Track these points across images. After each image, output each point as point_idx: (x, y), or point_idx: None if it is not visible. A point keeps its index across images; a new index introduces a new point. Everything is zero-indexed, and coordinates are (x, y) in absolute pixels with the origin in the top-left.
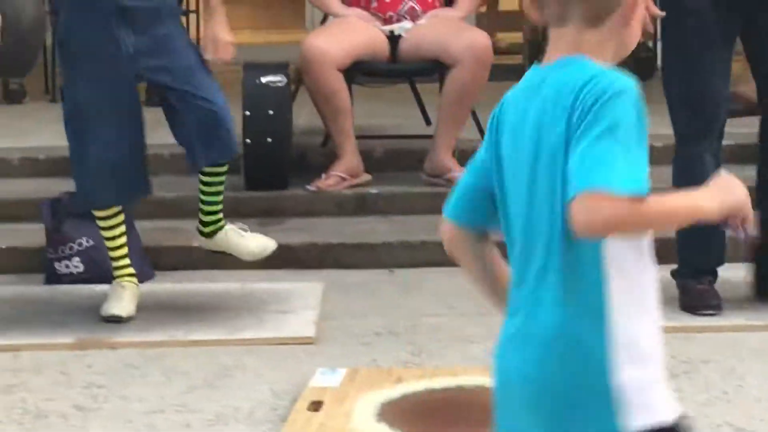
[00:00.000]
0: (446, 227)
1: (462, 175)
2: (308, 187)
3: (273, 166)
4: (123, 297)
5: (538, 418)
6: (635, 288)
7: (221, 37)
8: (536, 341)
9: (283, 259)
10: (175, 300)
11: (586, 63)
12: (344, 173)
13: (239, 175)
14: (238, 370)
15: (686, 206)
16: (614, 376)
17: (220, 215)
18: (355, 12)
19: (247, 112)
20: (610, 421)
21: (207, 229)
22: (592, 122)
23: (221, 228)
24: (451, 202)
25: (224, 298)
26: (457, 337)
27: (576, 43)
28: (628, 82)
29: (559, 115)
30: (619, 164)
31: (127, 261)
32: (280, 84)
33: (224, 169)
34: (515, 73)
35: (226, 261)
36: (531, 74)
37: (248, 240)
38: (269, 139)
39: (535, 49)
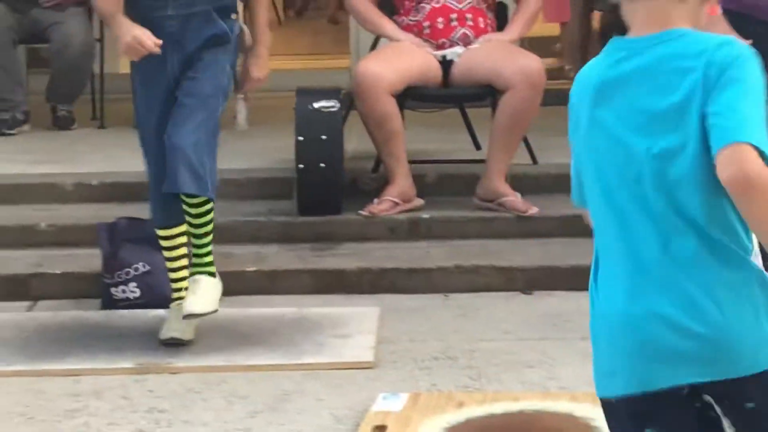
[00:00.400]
0: (587, 214)
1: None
2: (361, 212)
3: (326, 191)
4: (182, 320)
5: None
6: None
7: (254, 71)
8: None
9: (337, 284)
10: (232, 324)
11: (701, 34)
12: (397, 198)
13: (292, 200)
14: (299, 394)
15: None
16: None
17: (204, 258)
18: (409, 37)
19: (300, 137)
20: None
21: (193, 265)
22: (729, 82)
23: (200, 272)
24: (573, 191)
25: (281, 322)
26: (515, 362)
27: (666, 17)
28: (751, 50)
29: (680, 81)
30: (758, 127)
31: (184, 284)
32: (333, 109)
33: (198, 209)
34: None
35: (279, 286)
36: (618, 47)
37: (195, 297)
38: (322, 164)
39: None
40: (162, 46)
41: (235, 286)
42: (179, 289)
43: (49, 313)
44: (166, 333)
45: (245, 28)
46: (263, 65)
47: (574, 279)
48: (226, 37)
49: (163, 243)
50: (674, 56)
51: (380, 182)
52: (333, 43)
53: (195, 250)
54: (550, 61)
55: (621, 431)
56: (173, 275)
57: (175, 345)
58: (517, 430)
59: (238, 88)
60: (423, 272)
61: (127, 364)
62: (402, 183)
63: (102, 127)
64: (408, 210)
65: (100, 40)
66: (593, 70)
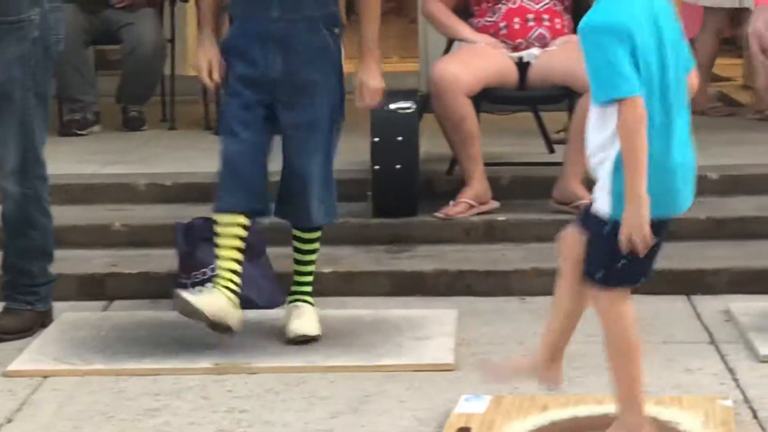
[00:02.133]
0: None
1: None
2: (436, 214)
3: (402, 192)
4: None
5: None
6: None
7: (369, 83)
8: None
9: (413, 286)
10: None
11: None
12: (472, 200)
13: (367, 202)
14: (380, 396)
15: (641, 173)
16: None
17: (307, 287)
18: (485, 39)
19: (376, 139)
20: None
21: (292, 292)
22: None
23: (302, 300)
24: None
25: (358, 324)
26: (597, 364)
27: None
28: None
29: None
30: None
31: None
32: (409, 110)
33: (311, 235)
34: None
35: (355, 288)
36: None
37: (302, 321)
38: (398, 166)
39: None
40: (263, 44)
41: None
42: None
43: (125, 312)
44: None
45: None
46: (376, 75)
47: (652, 283)
48: (333, 52)
49: (217, 228)
50: None
51: (455, 184)
52: (399, 47)
53: (298, 277)
54: None
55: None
56: (224, 264)
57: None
58: None
59: (358, 101)
60: (500, 275)
61: (205, 364)
62: (477, 185)
63: (172, 128)
64: (483, 212)
65: (172, 41)
66: None
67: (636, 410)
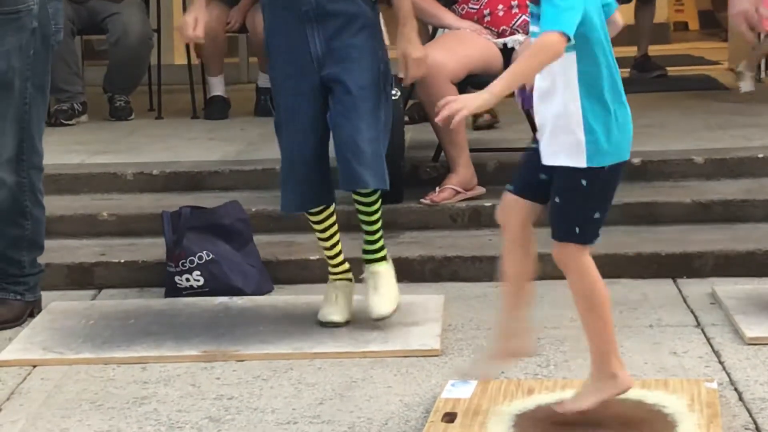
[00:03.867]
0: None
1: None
2: (422, 200)
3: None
4: (338, 302)
5: None
6: None
7: (412, 53)
8: None
9: (400, 272)
10: (297, 312)
11: None
12: (458, 186)
13: None
14: (367, 382)
15: (511, 84)
16: None
17: (377, 245)
18: (469, 25)
19: None
20: None
21: (364, 255)
22: None
23: (376, 261)
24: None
25: None
26: (583, 349)
27: None
28: None
29: None
30: None
31: (339, 260)
32: (394, 97)
33: (370, 198)
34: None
35: None
36: None
37: (380, 298)
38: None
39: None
40: (301, 25)
41: (298, 274)
42: (333, 266)
43: (113, 301)
44: (326, 316)
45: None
46: (417, 45)
47: (638, 267)
48: (370, 18)
49: (315, 226)
50: None
51: (441, 171)
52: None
53: (367, 241)
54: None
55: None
56: (327, 253)
57: (335, 327)
58: (587, 416)
59: (404, 78)
60: (486, 260)
61: (193, 352)
62: (463, 171)
63: (159, 117)
64: (469, 198)
65: (158, 30)
66: None
67: (612, 360)
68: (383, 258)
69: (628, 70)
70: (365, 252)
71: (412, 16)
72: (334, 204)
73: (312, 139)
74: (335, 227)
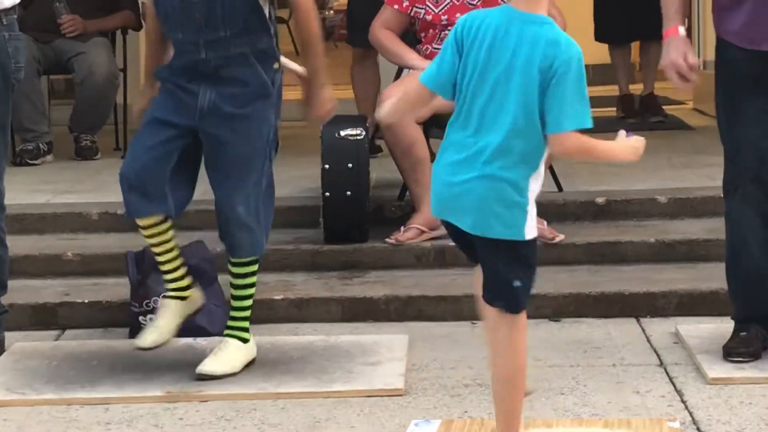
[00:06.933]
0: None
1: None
2: (387, 240)
3: (352, 219)
4: (157, 324)
5: None
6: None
7: (323, 95)
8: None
9: (365, 312)
10: (261, 352)
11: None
12: (423, 225)
13: (318, 228)
14: (331, 422)
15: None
16: None
17: (241, 323)
18: None
19: (326, 165)
20: None
21: (226, 328)
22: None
23: (238, 338)
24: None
25: (310, 350)
26: (546, 389)
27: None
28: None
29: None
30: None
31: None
32: (359, 137)
33: (242, 269)
34: (608, 125)
35: (307, 314)
36: (503, 10)
37: (215, 358)
38: (348, 192)
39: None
40: (196, 83)
41: (262, 314)
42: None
43: (77, 342)
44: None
45: (289, 63)
46: (324, 102)
47: (602, 306)
48: (267, 89)
49: (143, 231)
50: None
51: (406, 210)
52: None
53: (233, 312)
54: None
55: None
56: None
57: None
58: None
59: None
60: (450, 300)
61: (156, 392)
62: (428, 211)
63: (125, 157)
64: (434, 238)
65: (124, 70)
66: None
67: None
68: (243, 338)
69: (614, 109)
70: (228, 325)
71: (322, 74)
72: (170, 220)
73: (161, 152)
74: (170, 243)
